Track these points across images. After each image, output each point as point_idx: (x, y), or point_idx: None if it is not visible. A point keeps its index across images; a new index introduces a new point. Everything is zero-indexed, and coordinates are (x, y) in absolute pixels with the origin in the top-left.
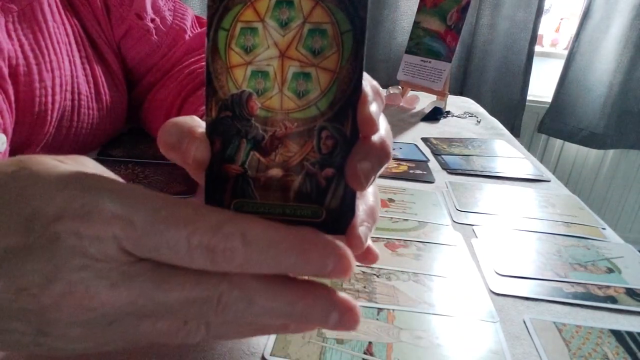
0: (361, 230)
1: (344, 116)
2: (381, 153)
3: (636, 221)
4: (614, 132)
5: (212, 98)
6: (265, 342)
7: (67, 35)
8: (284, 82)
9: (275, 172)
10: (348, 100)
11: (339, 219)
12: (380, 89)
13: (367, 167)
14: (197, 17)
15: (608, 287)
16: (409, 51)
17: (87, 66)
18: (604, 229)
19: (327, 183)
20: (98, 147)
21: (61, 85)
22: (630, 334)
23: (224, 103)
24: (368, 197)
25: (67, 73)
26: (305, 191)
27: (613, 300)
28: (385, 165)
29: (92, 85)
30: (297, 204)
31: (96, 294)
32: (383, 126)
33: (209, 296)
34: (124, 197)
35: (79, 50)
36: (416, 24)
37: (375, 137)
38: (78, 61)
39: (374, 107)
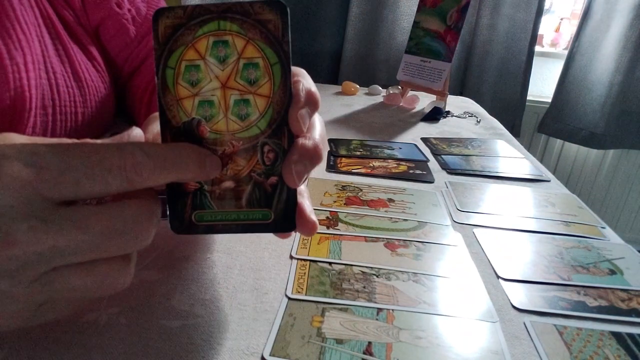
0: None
1: (281, 132)
2: (313, 155)
3: (636, 221)
4: (614, 132)
5: (166, 127)
6: (265, 342)
7: (36, 17)
8: (227, 108)
9: (228, 184)
10: (283, 119)
11: (286, 217)
12: (317, 94)
13: (300, 168)
14: None
15: (630, 299)
16: (408, 51)
17: (59, 46)
18: (603, 227)
19: (273, 189)
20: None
21: (33, 63)
22: (631, 336)
23: (177, 130)
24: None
25: (38, 52)
26: (255, 198)
27: (638, 313)
28: (317, 164)
29: (67, 65)
30: (249, 209)
31: (16, 239)
32: (317, 128)
33: (126, 224)
34: (30, 153)
35: (49, 33)
36: (416, 23)
37: (308, 142)
38: (49, 41)
39: (303, 111)
